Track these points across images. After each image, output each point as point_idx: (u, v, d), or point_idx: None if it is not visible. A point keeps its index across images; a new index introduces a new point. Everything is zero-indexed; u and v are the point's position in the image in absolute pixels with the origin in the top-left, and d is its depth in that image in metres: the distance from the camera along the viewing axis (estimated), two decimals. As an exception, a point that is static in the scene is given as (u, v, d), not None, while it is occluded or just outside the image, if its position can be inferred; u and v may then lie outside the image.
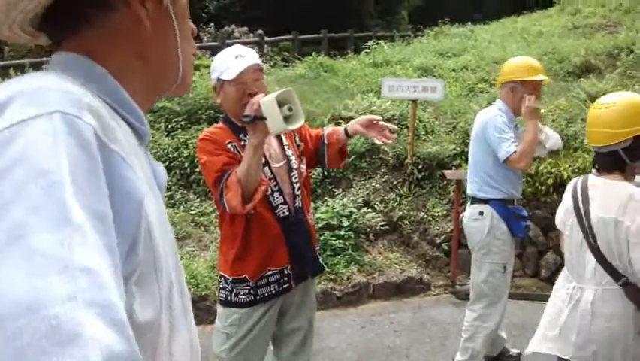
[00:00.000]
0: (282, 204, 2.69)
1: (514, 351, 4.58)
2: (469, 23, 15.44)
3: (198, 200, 6.65)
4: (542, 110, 7.03)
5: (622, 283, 2.50)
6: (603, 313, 2.56)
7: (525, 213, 4.13)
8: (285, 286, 2.74)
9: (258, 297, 2.70)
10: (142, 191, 0.76)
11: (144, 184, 0.80)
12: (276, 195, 2.67)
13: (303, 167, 2.88)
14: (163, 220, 0.89)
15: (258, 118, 2.41)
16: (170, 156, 7.01)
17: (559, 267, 6.04)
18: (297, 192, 2.75)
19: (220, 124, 2.73)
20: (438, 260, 6.27)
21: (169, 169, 6.95)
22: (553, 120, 6.86)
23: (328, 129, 3.04)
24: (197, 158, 2.69)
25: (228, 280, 2.72)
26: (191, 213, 6.46)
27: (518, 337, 4.93)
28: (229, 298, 2.74)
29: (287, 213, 2.70)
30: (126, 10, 0.86)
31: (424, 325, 5.28)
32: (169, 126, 7.50)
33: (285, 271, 2.72)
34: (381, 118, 3.03)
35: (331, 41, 16.45)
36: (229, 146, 2.59)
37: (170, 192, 6.72)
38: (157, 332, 0.81)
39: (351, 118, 7.47)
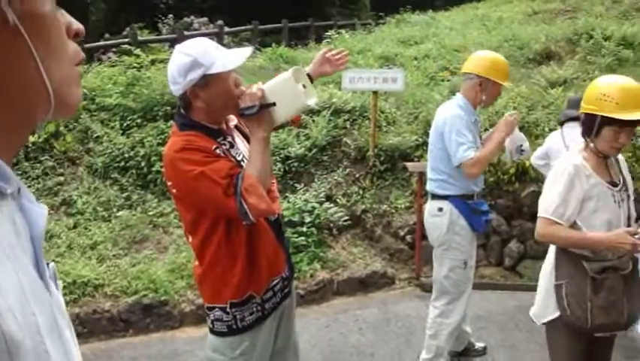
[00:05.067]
0: None
1: (479, 345, 4.57)
2: (430, 11, 15.42)
3: (156, 200, 6.46)
4: (504, 99, 7.05)
5: None
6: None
7: (485, 207, 4.07)
8: (285, 291, 2.56)
9: (265, 312, 2.46)
10: None
11: None
12: None
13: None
14: (34, 294, 0.73)
15: (265, 106, 2.20)
16: (126, 155, 6.80)
17: (522, 255, 6.08)
18: (277, 194, 2.61)
19: (190, 131, 2.31)
20: (402, 253, 6.21)
21: (125, 169, 6.75)
22: (515, 108, 6.84)
23: None
24: (181, 172, 2.24)
25: (227, 308, 2.40)
26: (149, 215, 6.27)
27: (483, 330, 4.92)
28: (234, 325, 2.42)
29: (276, 216, 2.52)
30: None
31: (389, 321, 5.22)
32: (124, 124, 7.28)
33: (284, 276, 2.54)
34: (331, 51, 2.85)
35: (292, 31, 16.30)
36: (218, 152, 2.27)
37: (126, 193, 6.53)
38: None
39: (311, 111, 7.36)
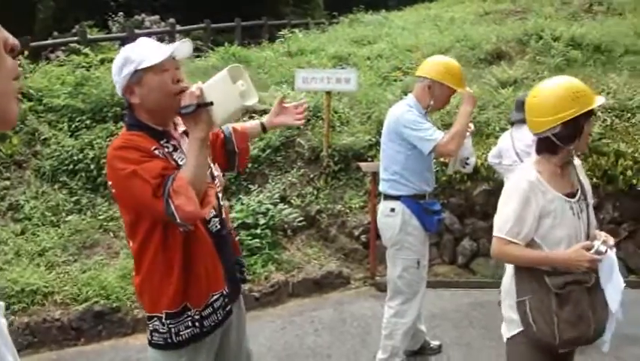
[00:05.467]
0: (214, 217, 2.38)
1: (434, 344, 4.61)
2: (384, 10, 15.52)
3: (106, 204, 6.31)
4: (456, 99, 7.12)
5: None
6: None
7: (438, 207, 4.11)
8: (227, 309, 2.41)
9: (204, 329, 2.34)
10: None
11: None
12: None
13: (221, 175, 2.61)
14: None
15: (202, 105, 2.11)
16: (75, 158, 6.63)
17: (475, 253, 6.17)
18: (221, 203, 2.49)
19: (134, 131, 2.27)
20: (357, 253, 6.23)
21: (74, 172, 6.59)
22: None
23: (233, 130, 2.74)
24: (115, 170, 2.17)
25: (162, 319, 2.29)
26: (99, 219, 6.13)
27: (438, 328, 4.97)
28: (169, 339, 2.31)
29: (219, 226, 2.40)
30: None
31: (344, 321, 5.22)
32: (73, 126, 7.09)
33: (224, 292, 2.39)
34: (288, 100, 2.82)
35: (245, 30, 16.19)
36: (156, 152, 2.19)
37: (76, 197, 6.37)
38: None
39: (264, 111, 7.30)
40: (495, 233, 2.62)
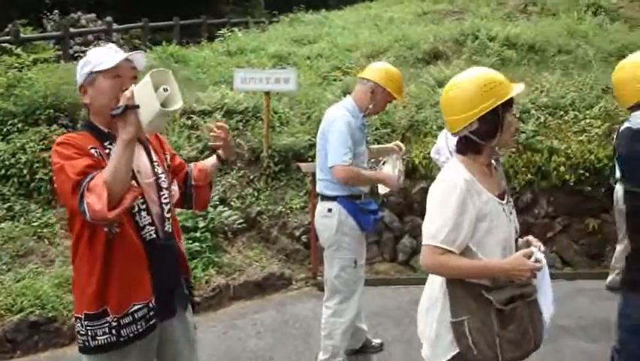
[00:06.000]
0: (149, 225, 2.37)
1: (376, 342, 4.63)
2: (324, 10, 15.56)
3: (40, 210, 6.09)
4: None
5: None
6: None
7: (374, 206, 4.14)
8: (151, 323, 2.36)
9: (121, 338, 2.30)
10: None
11: None
12: (143, 214, 2.35)
13: (175, 188, 2.61)
14: None
15: (130, 107, 2.14)
16: (7, 162, 6.37)
17: (415, 250, 6.25)
18: (167, 215, 2.46)
19: (81, 131, 2.42)
20: (298, 253, 6.23)
21: (6, 177, 6.33)
22: (404, 107, 7.01)
23: (194, 167, 2.77)
24: (52, 164, 2.28)
25: (82, 320, 2.31)
26: (33, 226, 5.90)
27: (379, 326, 5.00)
28: (86, 342, 2.32)
29: (154, 236, 2.38)
30: None
31: (287, 323, 5.20)
32: (4, 129, 6.81)
33: (150, 305, 2.35)
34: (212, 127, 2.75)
35: (184, 29, 15.95)
36: (92, 151, 2.25)
37: (8, 204, 6.12)
38: None
39: (203, 112, 7.23)
40: (427, 241, 2.29)
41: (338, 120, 3.86)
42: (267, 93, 6.72)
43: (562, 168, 6.32)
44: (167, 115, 2.29)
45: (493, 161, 2.46)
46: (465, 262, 2.28)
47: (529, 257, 2.27)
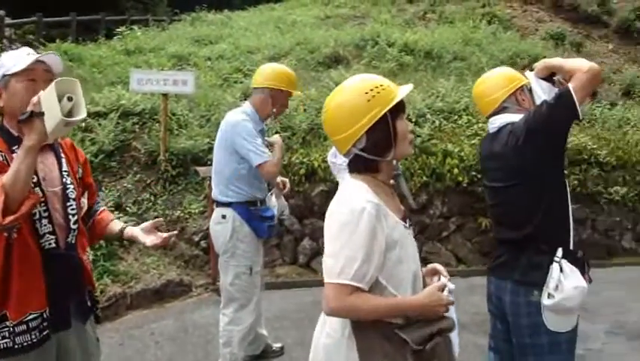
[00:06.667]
0: (49, 233, 2.29)
1: (276, 346, 4.61)
2: (227, 10, 15.41)
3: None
4: (294, 101, 7.22)
5: None
6: None
7: (270, 213, 4.10)
8: (44, 333, 2.28)
9: (16, 346, 2.23)
10: None
11: None
12: (44, 221, 2.27)
13: (85, 201, 2.51)
14: None
15: (35, 114, 2.08)
16: None
17: (315, 252, 6.30)
18: (73, 226, 2.36)
19: None
20: (197, 259, 6.12)
21: None
22: (305, 110, 7.04)
23: (102, 209, 2.73)
24: None
25: None
26: None
27: (280, 329, 4.99)
28: None
29: (53, 245, 2.30)
30: None
31: (186, 331, 5.08)
32: None
33: (45, 315, 2.28)
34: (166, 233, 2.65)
35: (81, 25, 15.30)
36: None
37: None
38: None
39: (98, 113, 6.95)
40: (331, 279, 1.90)
41: (240, 123, 3.83)
42: (165, 95, 6.56)
43: (455, 170, 6.58)
44: (70, 125, 2.24)
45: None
46: (378, 301, 1.93)
47: (443, 289, 2.02)
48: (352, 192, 1.98)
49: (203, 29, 12.55)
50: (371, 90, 1.97)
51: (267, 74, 4.01)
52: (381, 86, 1.99)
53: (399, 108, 2.00)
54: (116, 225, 2.70)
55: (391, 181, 2.15)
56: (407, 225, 2.07)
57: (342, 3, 14.19)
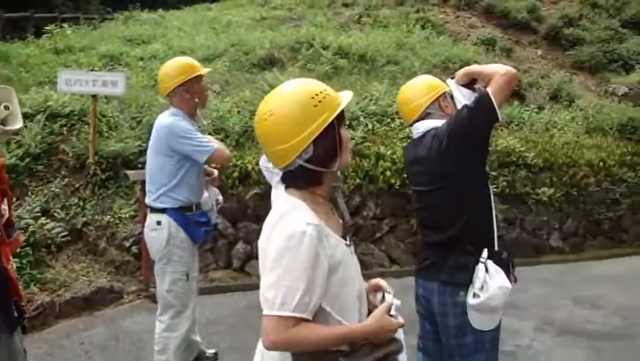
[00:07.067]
0: None
1: (210, 352, 4.58)
2: (161, 9, 15.16)
3: None
4: (228, 104, 7.19)
5: None
6: None
7: (205, 218, 4.07)
8: None
9: None
10: None
11: None
12: None
13: (5, 208, 2.44)
14: None
15: None
16: None
17: (249, 255, 6.29)
18: None
19: None
20: (129, 265, 5.98)
21: None
22: (238, 112, 7.01)
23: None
24: None
25: None
26: None
27: (214, 335, 4.95)
28: None
29: None
30: None
31: (117, 339, 4.98)
32: None
33: None
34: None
35: (9, 22, 14.78)
36: None
37: None
38: None
39: (24, 115, 6.66)
40: (271, 312, 1.74)
41: (174, 124, 3.78)
42: (94, 96, 6.40)
43: (388, 173, 6.71)
44: (7, 133, 2.19)
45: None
46: (324, 332, 1.78)
47: (389, 311, 1.90)
48: (290, 214, 1.81)
49: (136, 28, 12.29)
50: (317, 95, 1.82)
51: (166, 76, 3.93)
52: (325, 90, 1.85)
53: (341, 115, 1.87)
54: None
55: None
56: (348, 242, 1.93)
57: (278, 4, 14.17)
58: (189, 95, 3.86)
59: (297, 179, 1.87)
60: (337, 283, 1.81)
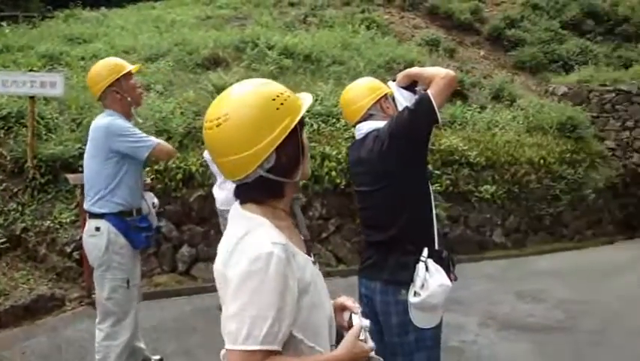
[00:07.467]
0: None
1: (155, 358, 4.53)
2: (104, 7, 14.80)
3: None
4: (171, 104, 7.11)
5: None
6: None
7: (146, 223, 3.99)
8: None
9: None
10: None
11: None
12: None
13: None
14: None
15: None
16: None
17: (195, 259, 6.24)
18: None
19: None
20: (70, 271, 5.86)
21: None
22: (182, 113, 6.93)
23: None
24: None
25: None
26: None
27: (158, 341, 4.89)
28: None
29: None
30: None
31: (59, 348, 4.87)
32: None
33: None
34: None
35: (-59, 20, 14.14)
36: None
37: None
38: None
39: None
40: (237, 345, 1.52)
41: (111, 124, 3.72)
42: (32, 98, 6.25)
43: (333, 173, 6.76)
44: None
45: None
46: None
47: (359, 335, 1.74)
48: (252, 233, 1.60)
49: (77, 27, 11.96)
50: (278, 97, 1.63)
51: (95, 78, 3.85)
52: (286, 92, 1.66)
53: (301, 120, 1.67)
54: None
55: None
56: (313, 259, 1.75)
57: (223, 3, 14.03)
58: (120, 94, 3.79)
59: (256, 192, 1.68)
60: (308, 306, 1.63)
